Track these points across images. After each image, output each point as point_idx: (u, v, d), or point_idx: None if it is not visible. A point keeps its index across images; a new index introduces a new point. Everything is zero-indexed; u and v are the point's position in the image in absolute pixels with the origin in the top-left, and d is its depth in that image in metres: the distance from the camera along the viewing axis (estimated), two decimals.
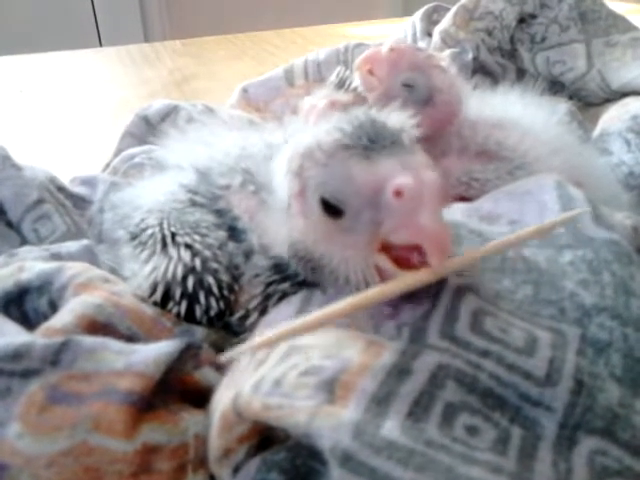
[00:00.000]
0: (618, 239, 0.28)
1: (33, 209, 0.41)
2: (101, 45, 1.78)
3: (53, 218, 0.41)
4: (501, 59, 0.65)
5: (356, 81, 0.43)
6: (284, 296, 0.29)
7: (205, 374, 0.27)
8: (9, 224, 0.41)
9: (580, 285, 0.26)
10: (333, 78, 0.50)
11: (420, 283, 0.24)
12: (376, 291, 0.24)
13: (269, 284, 0.29)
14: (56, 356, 0.24)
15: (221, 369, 0.27)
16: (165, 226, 0.32)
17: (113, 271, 0.33)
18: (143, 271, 0.31)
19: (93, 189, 0.46)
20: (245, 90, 0.67)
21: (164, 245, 0.31)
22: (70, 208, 0.44)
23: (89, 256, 0.35)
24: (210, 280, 0.30)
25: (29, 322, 0.29)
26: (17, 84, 0.93)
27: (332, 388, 0.21)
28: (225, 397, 0.23)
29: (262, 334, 0.24)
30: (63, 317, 0.27)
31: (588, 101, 0.61)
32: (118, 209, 0.37)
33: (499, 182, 0.37)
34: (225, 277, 0.30)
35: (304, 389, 0.21)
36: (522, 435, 0.21)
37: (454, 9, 0.65)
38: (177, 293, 0.30)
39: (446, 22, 0.65)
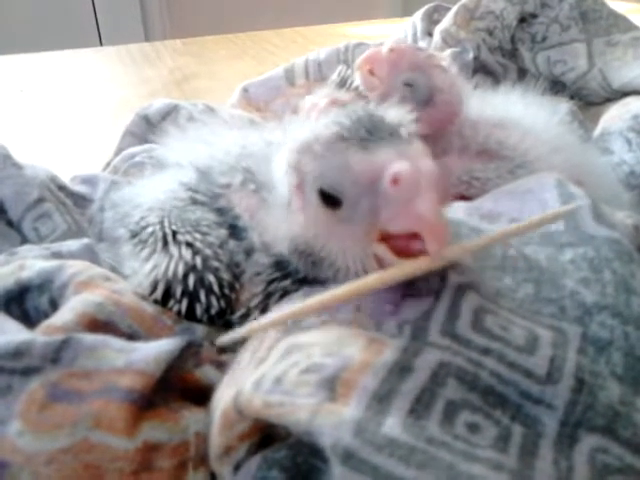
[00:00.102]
0: (619, 237, 0.28)
1: (34, 208, 0.41)
2: (102, 44, 1.78)
3: (54, 217, 0.41)
4: (502, 59, 0.65)
5: (357, 80, 0.43)
6: (285, 294, 0.29)
7: (206, 372, 0.27)
8: (10, 223, 0.41)
9: (581, 283, 0.26)
10: (335, 77, 0.50)
11: (419, 271, 0.24)
12: (375, 277, 0.24)
13: (270, 282, 0.29)
14: (57, 354, 0.24)
15: (222, 367, 0.27)
16: (166, 224, 0.32)
17: (114, 269, 0.33)
18: (144, 269, 0.31)
19: (94, 188, 0.46)
20: (246, 90, 0.67)
21: (165, 243, 0.31)
22: (71, 207, 0.44)
23: (90, 254, 0.35)
24: (211, 278, 0.30)
25: (30, 320, 0.29)
26: (18, 83, 0.93)
27: (333, 386, 0.21)
28: (226, 395, 0.23)
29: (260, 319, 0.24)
30: (64, 315, 0.27)
31: (589, 100, 0.61)
32: (118, 208, 0.37)
33: (500, 181, 0.37)
34: (226, 275, 0.30)
35: (305, 387, 0.21)
36: (523, 433, 0.21)
37: (455, 9, 0.65)
38: (178, 291, 0.30)
39: (447, 22, 0.65)
